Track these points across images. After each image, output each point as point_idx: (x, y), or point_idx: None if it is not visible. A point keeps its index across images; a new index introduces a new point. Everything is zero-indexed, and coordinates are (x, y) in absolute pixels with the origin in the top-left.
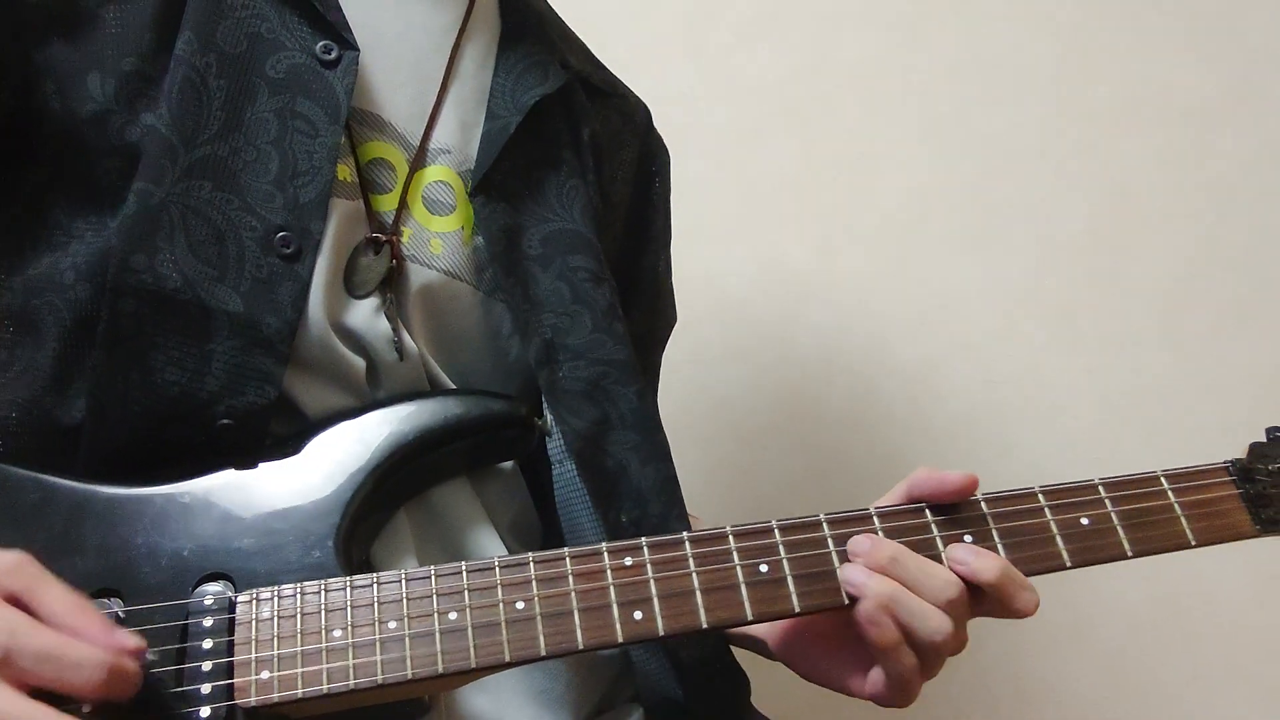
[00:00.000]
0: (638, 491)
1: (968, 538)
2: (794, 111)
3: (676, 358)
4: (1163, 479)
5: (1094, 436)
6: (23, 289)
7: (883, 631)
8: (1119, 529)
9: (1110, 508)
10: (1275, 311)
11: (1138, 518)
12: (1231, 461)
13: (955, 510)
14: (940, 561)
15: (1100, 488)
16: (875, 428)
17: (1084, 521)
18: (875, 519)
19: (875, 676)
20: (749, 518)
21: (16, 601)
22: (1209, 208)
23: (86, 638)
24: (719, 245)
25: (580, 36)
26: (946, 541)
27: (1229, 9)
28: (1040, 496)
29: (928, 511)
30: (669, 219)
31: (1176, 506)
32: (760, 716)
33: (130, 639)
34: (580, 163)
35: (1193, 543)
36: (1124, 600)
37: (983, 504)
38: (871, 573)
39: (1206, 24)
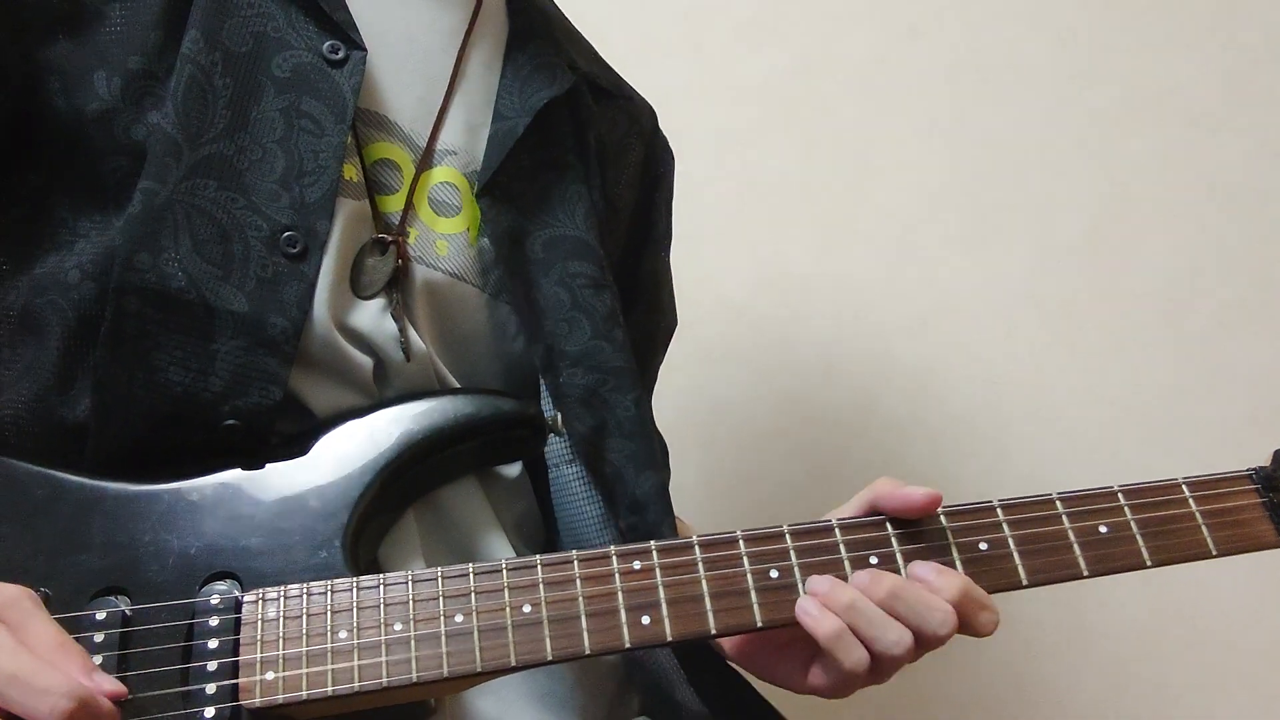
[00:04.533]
0: (633, 499)
1: (983, 545)
2: (794, 111)
3: (676, 359)
4: (1184, 487)
5: (1095, 437)
6: (28, 288)
7: (823, 625)
8: (1138, 537)
9: (1129, 516)
10: (1275, 311)
11: (1157, 526)
12: (1255, 469)
13: (968, 516)
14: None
15: (1119, 495)
16: (876, 429)
17: (1102, 529)
18: (887, 525)
19: (817, 670)
20: (749, 520)
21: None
22: (1209, 208)
23: (62, 672)
24: (718, 246)
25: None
26: (960, 549)
27: (1229, 9)
28: (1058, 503)
29: (943, 518)
30: (670, 222)
31: (1198, 515)
32: (766, 704)
33: (108, 682)
34: (585, 167)
35: (1214, 553)
36: (1127, 606)
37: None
38: (833, 584)
39: (1206, 24)
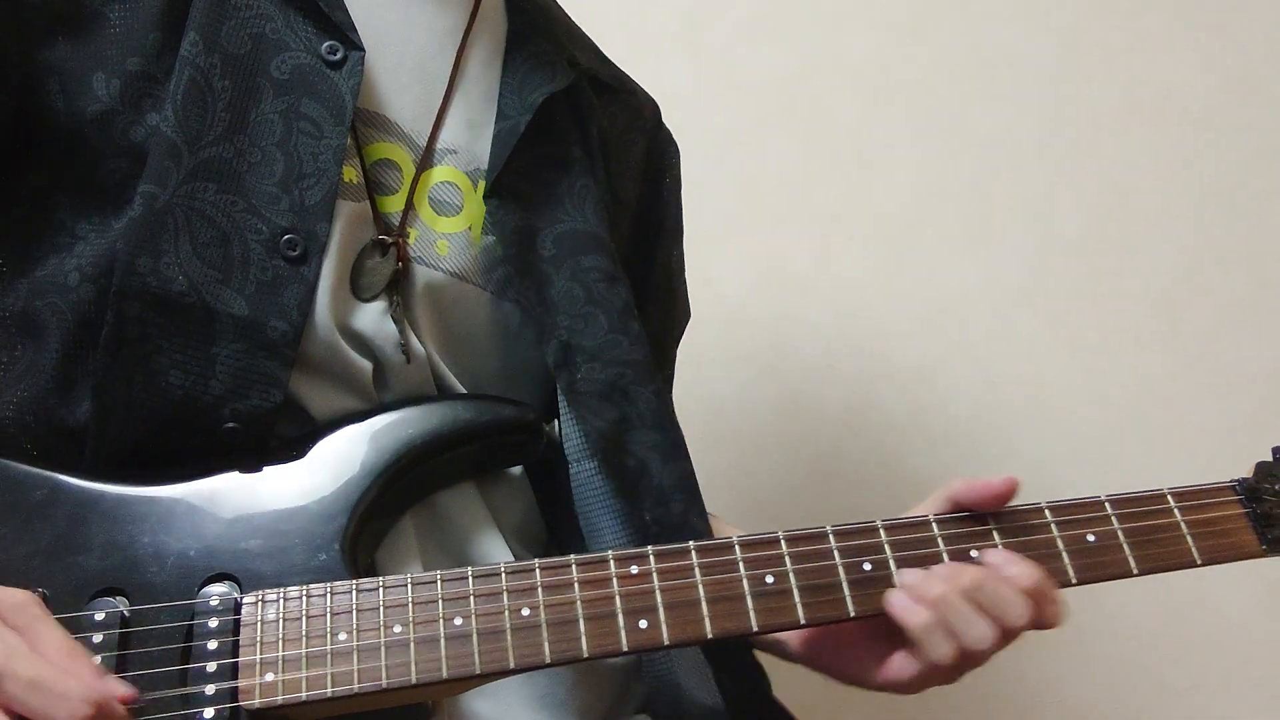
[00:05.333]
0: (660, 490)
1: (974, 552)
2: (793, 111)
3: (676, 358)
4: (1169, 497)
5: (1094, 436)
6: (27, 290)
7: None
8: (1125, 546)
9: (1116, 525)
10: (1275, 311)
11: (1144, 535)
12: (1238, 481)
13: (960, 524)
14: None
15: (1106, 504)
16: (875, 429)
17: (1090, 538)
18: (881, 531)
19: (898, 664)
20: (748, 520)
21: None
22: (1209, 208)
23: (77, 678)
24: (717, 246)
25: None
26: (953, 556)
27: (1229, 9)
28: (1047, 512)
29: (934, 525)
30: (680, 214)
31: (1183, 525)
32: (782, 709)
33: (120, 686)
34: (590, 161)
35: (1198, 561)
36: (1125, 610)
37: (989, 519)
38: (924, 576)
39: (1206, 24)
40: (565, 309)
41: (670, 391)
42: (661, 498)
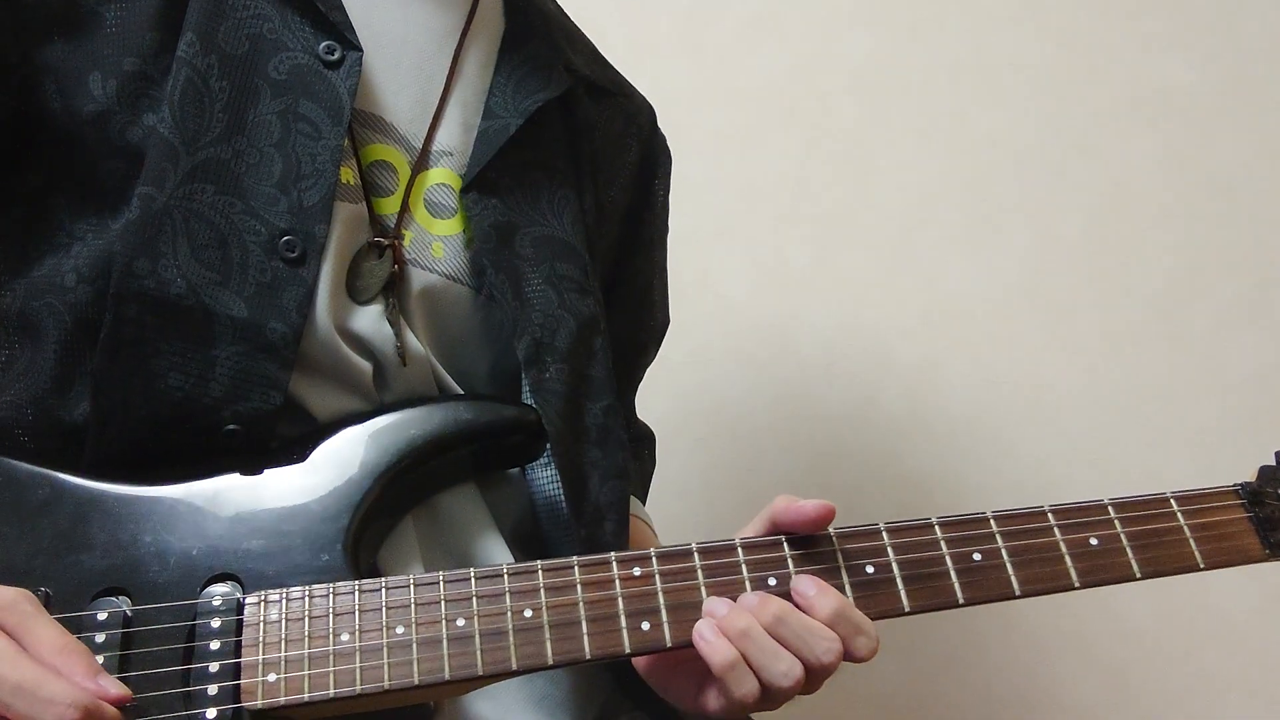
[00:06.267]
0: (595, 507)
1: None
2: (794, 111)
3: (676, 358)
4: (1172, 500)
5: (1094, 437)
6: (25, 290)
7: (719, 653)
8: (1128, 550)
9: (1119, 528)
10: (1275, 311)
11: (1147, 539)
12: (1241, 484)
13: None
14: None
15: (1109, 508)
16: (875, 428)
17: (1093, 542)
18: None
19: (711, 696)
20: (747, 519)
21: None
22: (1209, 208)
23: (68, 678)
24: (718, 245)
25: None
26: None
27: (1228, 9)
28: (1049, 515)
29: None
30: (666, 222)
31: (1186, 529)
32: None
33: (113, 686)
34: (576, 171)
35: (1201, 565)
36: (1127, 613)
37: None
38: (729, 609)
39: (1206, 24)
40: (540, 307)
41: (621, 411)
42: (596, 516)
